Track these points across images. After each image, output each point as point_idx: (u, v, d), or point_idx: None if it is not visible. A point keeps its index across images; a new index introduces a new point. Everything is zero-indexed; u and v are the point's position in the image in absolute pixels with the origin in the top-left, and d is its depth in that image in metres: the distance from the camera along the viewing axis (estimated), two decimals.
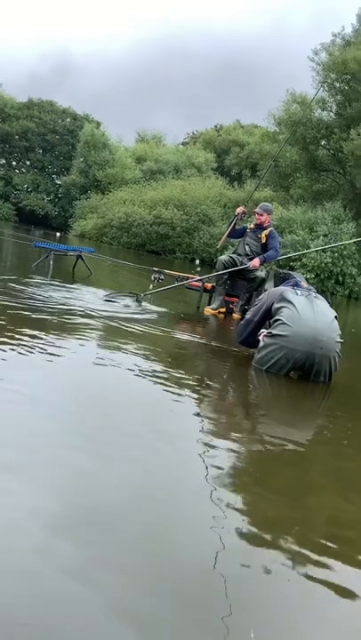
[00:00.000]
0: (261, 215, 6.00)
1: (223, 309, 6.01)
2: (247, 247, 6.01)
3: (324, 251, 17.19)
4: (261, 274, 5.78)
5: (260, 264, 5.79)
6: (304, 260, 17.26)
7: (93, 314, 4.16)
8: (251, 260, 5.85)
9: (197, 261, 10.97)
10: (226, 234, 6.39)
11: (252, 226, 6.15)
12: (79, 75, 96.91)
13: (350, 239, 17.94)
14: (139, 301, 5.24)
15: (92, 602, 1.01)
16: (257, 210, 6.11)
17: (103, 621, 0.97)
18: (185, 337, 4.17)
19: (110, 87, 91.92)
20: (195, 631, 1.00)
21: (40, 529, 1.21)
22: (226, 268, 5.90)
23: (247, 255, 5.96)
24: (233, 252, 6.26)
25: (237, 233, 6.27)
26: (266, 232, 5.99)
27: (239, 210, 6.27)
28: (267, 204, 6.50)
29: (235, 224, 6.23)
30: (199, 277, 6.47)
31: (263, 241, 5.96)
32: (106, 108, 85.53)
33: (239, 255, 6.02)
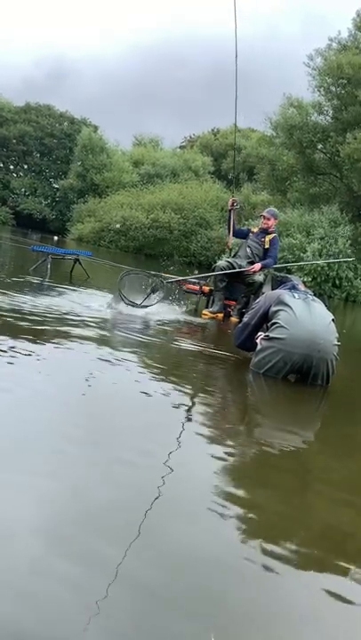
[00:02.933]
0: (269, 220, 6.03)
1: (222, 314, 6.02)
2: (248, 250, 6.03)
3: (320, 255, 17.27)
4: (260, 278, 5.79)
5: (260, 269, 5.82)
6: (301, 263, 17.32)
7: (89, 317, 4.16)
8: (251, 263, 5.87)
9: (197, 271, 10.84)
10: (231, 233, 6.40)
11: (255, 229, 6.17)
12: (75, 79, 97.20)
13: (346, 242, 18.05)
14: (155, 289, 5.14)
15: (89, 608, 1.01)
16: (265, 213, 6.15)
17: (101, 625, 0.97)
18: (182, 340, 4.18)
19: (106, 92, 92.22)
20: (192, 634, 1.00)
21: (36, 535, 1.21)
22: (225, 274, 5.90)
23: (248, 258, 5.97)
24: (233, 256, 6.26)
25: (242, 233, 6.31)
26: (270, 237, 6.02)
27: (230, 202, 6.34)
28: (274, 209, 6.55)
29: (233, 218, 6.27)
30: (195, 277, 6.48)
31: (267, 246, 5.99)
32: (102, 113, 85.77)
33: (239, 257, 6.04)
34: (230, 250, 6.73)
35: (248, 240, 6.11)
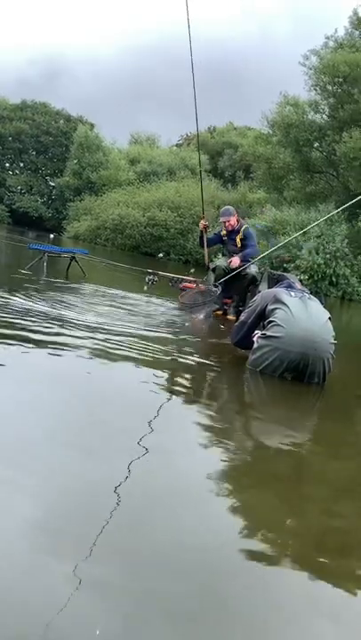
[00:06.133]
0: (228, 220, 5.98)
1: (221, 311, 6.06)
2: (230, 255, 6.05)
3: (317, 252, 17.29)
4: (251, 271, 5.77)
5: (241, 262, 5.76)
6: (298, 261, 17.33)
7: (81, 318, 4.16)
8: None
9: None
10: (206, 250, 6.33)
11: (223, 232, 6.13)
12: (71, 78, 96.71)
13: (342, 241, 18.08)
14: (209, 293, 5.61)
15: (90, 606, 1.01)
16: (221, 218, 6.06)
17: (99, 624, 0.97)
18: (180, 338, 4.18)
19: (103, 90, 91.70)
20: (190, 635, 1.00)
21: (36, 533, 1.21)
22: (226, 273, 5.88)
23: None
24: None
25: (214, 240, 6.29)
26: (240, 235, 5.98)
27: (201, 225, 6.23)
28: (227, 207, 6.34)
29: (205, 238, 6.21)
30: (194, 280, 6.47)
31: (239, 245, 5.96)
32: (98, 112, 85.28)
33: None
34: (212, 261, 6.56)
35: (228, 245, 6.12)
